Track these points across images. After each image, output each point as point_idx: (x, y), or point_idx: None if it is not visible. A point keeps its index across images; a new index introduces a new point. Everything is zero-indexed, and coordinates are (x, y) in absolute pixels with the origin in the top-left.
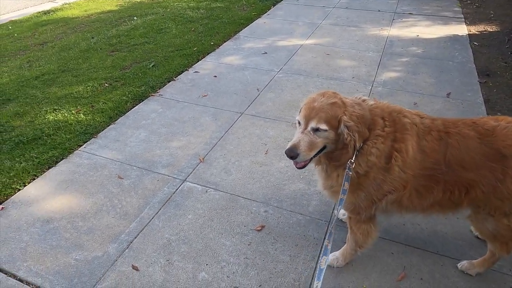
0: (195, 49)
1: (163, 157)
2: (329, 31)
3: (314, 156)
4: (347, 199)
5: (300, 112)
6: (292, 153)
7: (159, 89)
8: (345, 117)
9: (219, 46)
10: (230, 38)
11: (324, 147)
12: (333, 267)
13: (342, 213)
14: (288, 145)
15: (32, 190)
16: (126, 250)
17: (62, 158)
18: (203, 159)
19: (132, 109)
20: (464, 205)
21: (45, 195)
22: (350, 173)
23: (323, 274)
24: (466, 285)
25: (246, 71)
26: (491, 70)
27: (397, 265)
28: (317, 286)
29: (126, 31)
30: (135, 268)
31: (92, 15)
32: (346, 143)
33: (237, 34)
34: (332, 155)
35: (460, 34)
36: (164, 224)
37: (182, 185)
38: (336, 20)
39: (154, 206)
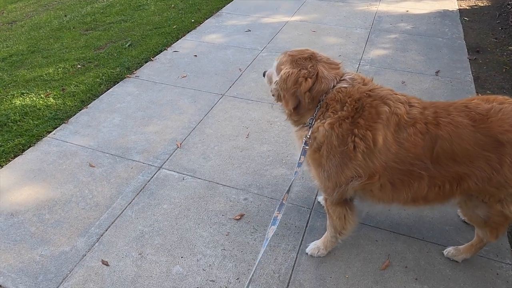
0: (174, 27)
1: (138, 142)
2: (315, 7)
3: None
4: (315, 176)
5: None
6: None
7: (136, 70)
8: (283, 69)
9: (200, 23)
10: (212, 15)
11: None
12: (315, 256)
13: (322, 199)
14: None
15: None
16: (96, 244)
17: (30, 146)
18: (180, 144)
19: (106, 92)
20: (456, 197)
21: (9, 186)
22: (307, 147)
23: (267, 244)
24: (452, 273)
25: (228, 50)
26: (481, 46)
27: (381, 253)
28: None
29: (102, 9)
30: (105, 263)
31: None
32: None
33: (220, 11)
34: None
35: (451, 9)
36: (137, 215)
37: (157, 173)
38: None
39: (127, 195)
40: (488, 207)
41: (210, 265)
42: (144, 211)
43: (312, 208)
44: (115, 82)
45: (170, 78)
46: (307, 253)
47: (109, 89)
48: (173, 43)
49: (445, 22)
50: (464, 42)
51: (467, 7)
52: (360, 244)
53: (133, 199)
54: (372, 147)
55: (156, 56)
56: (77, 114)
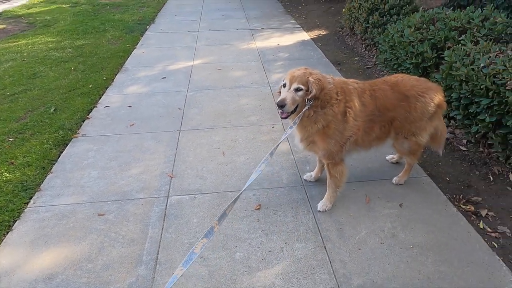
0: (90, 86)
1: (132, 185)
2: (207, 51)
3: (293, 111)
4: (323, 148)
5: (285, 79)
6: (282, 103)
7: (78, 129)
8: (311, 78)
9: (113, 80)
10: (119, 71)
11: (297, 106)
12: (326, 210)
13: (306, 176)
14: (279, 99)
15: (2, 260)
16: (157, 266)
17: (15, 221)
18: (172, 174)
19: (62, 154)
20: (391, 133)
21: (24, 259)
22: (294, 126)
23: (193, 261)
24: (401, 190)
25: (157, 96)
26: (339, 60)
27: (361, 195)
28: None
29: None
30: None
31: None
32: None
33: (124, 66)
34: (307, 112)
35: (306, 39)
36: (177, 234)
37: (169, 201)
38: (208, 41)
39: (155, 224)
40: (409, 141)
41: (260, 243)
42: (180, 229)
43: (303, 185)
44: (65, 144)
45: (119, 128)
46: (319, 211)
47: (62, 152)
48: (98, 100)
49: (307, 48)
50: (327, 59)
51: (316, 36)
52: (346, 194)
53: (163, 225)
54: (355, 111)
55: (90, 114)
56: (46, 180)
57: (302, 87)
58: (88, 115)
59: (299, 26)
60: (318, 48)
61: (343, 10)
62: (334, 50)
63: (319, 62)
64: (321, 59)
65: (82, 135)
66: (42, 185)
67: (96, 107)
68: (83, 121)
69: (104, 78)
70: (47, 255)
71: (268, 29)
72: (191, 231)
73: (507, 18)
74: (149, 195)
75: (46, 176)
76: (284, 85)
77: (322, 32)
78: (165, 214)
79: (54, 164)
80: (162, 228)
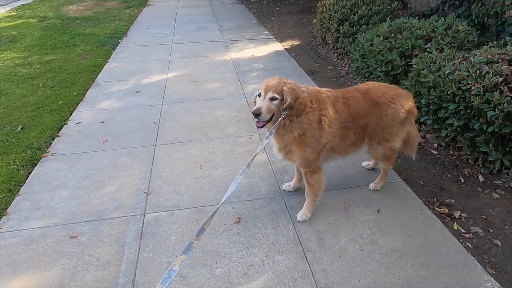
0: (60, 102)
1: (106, 203)
2: (182, 63)
3: (268, 121)
4: (300, 156)
5: (260, 89)
6: (257, 112)
7: (47, 148)
8: (285, 87)
9: (84, 95)
10: (90, 86)
11: (273, 115)
12: (306, 220)
13: (285, 186)
14: (254, 108)
15: None
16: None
17: None
18: (148, 191)
19: (31, 175)
20: (365, 139)
21: None
22: (270, 137)
23: (172, 278)
24: (378, 196)
25: (131, 110)
26: (312, 70)
27: (339, 202)
28: None
29: None
30: None
31: None
32: (288, 107)
33: (96, 81)
34: (282, 121)
35: (280, 50)
36: (155, 253)
37: (145, 218)
38: (182, 54)
39: (132, 244)
40: (382, 147)
41: (241, 257)
42: (158, 247)
43: (282, 195)
44: (33, 164)
45: (91, 145)
46: (299, 220)
47: (30, 172)
48: (69, 116)
49: (281, 58)
50: (301, 69)
51: (289, 47)
52: (324, 202)
53: (140, 244)
54: (330, 118)
55: (61, 131)
56: (13, 203)
57: (277, 96)
58: (58, 132)
59: (273, 37)
60: (292, 58)
61: (315, 20)
62: (307, 60)
63: (293, 72)
64: (295, 68)
65: (52, 154)
66: (8, 209)
67: (67, 124)
68: (53, 139)
69: (75, 93)
70: (15, 284)
71: (242, 40)
72: (170, 249)
73: (468, 26)
74: (125, 213)
75: (13, 199)
76: (259, 95)
77: (295, 43)
78: (141, 233)
79: (21, 185)
80: (139, 248)
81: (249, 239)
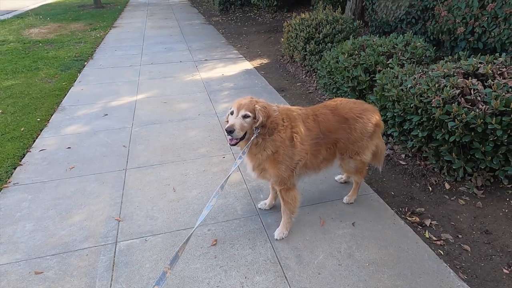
0: (22, 129)
1: (74, 234)
2: (152, 84)
3: (241, 138)
4: (274, 174)
5: (232, 107)
6: (231, 129)
7: (8, 178)
8: (257, 106)
9: (48, 120)
10: (55, 111)
11: (246, 133)
12: (283, 238)
13: (260, 204)
14: (227, 125)
15: None
16: None
17: None
18: (120, 218)
19: None
20: (336, 154)
21: None
22: (244, 156)
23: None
24: (352, 209)
25: (99, 135)
26: (283, 87)
27: (315, 218)
28: None
29: None
30: None
31: None
32: (260, 126)
33: (61, 105)
34: (255, 140)
35: (249, 68)
36: (128, 283)
37: (117, 247)
38: (151, 75)
39: (103, 275)
40: (354, 160)
41: (220, 281)
42: (132, 277)
43: (258, 214)
44: None
45: (57, 173)
46: (276, 239)
47: None
48: (32, 143)
49: (252, 77)
50: (271, 86)
51: (258, 65)
52: (301, 219)
53: (112, 275)
54: (301, 135)
55: (23, 160)
56: None
57: (250, 114)
58: (20, 161)
59: (242, 56)
60: (262, 76)
61: (282, 39)
62: (277, 78)
63: (263, 89)
64: (266, 86)
65: (14, 184)
66: None
67: (30, 151)
68: (15, 169)
69: (38, 119)
70: None
71: (211, 60)
72: (144, 278)
73: (424, 42)
74: (95, 243)
75: None
76: (232, 113)
77: (264, 61)
78: (113, 263)
79: None
80: (111, 279)
81: (227, 261)
